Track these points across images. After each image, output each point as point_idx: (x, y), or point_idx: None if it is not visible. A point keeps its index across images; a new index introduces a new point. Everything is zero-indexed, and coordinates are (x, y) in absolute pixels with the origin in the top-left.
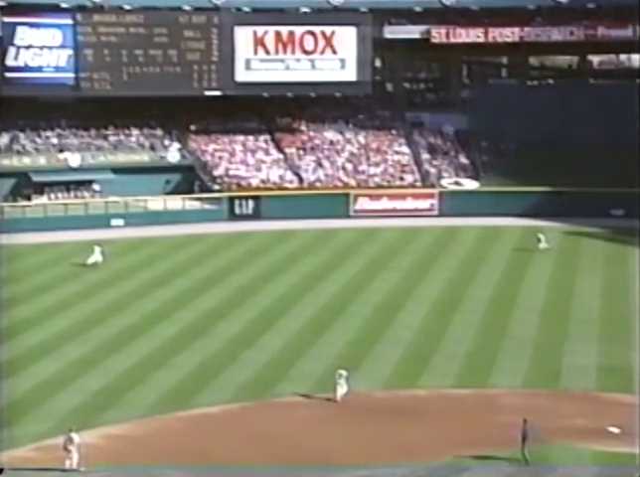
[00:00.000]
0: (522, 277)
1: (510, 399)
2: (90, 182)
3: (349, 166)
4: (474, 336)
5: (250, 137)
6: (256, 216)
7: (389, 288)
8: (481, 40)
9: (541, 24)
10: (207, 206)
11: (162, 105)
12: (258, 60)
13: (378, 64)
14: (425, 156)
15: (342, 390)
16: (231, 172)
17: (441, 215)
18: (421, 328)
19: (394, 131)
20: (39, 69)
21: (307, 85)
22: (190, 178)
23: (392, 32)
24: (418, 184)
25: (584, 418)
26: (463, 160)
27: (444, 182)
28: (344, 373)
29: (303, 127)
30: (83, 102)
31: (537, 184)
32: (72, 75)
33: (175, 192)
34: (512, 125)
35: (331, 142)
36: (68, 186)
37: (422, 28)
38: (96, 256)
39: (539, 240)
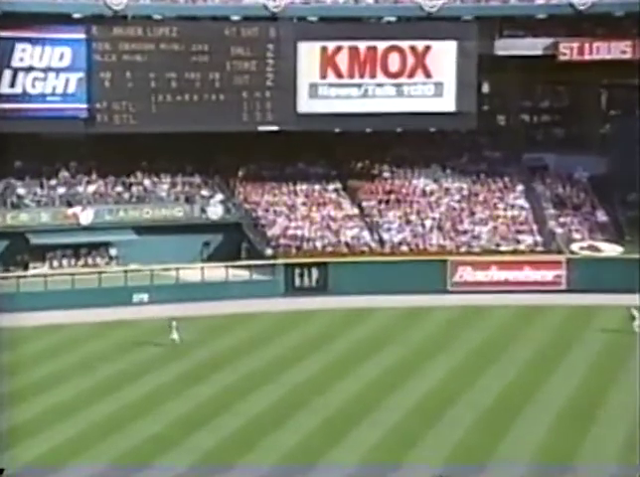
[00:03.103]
0: None
1: None
2: (106, 245)
3: (446, 224)
4: (618, 448)
5: (316, 186)
6: (323, 289)
7: (501, 388)
8: (627, 56)
9: None
10: (258, 276)
11: (201, 145)
12: (328, 84)
13: (486, 89)
14: (550, 211)
15: None
16: (289, 231)
17: (571, 290)
18: (547, 440)
19: (507, 178)
20: (42, 97)
21: (392, 118)
22: (236, 239)
23: (505, 47)
24: (540, 248)
25: None
26: (601, 217)
27: (575, 246)
28: None
29: (386, 173)
30: (99, 141)
31: None
32: (84, 105)
33: (216, 258)
34: None
35: (423, 192)
36: (76, 250)
37: (547, 41)
38: (174, 334)
39: (633, 318)
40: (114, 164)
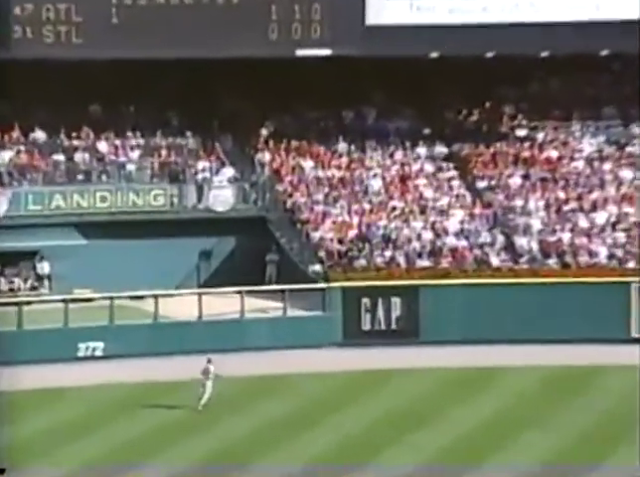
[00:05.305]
0: None
1: None
2: (32, 255)
3: (631, 219)
4: None
5: (398, 153)
6: (411, 334)
7: None
8: None
9: None
10: (297, 311)
11: (198, 82)
12: None
13: None
14: None
15: None
16: (351, 232)
17: None
18: None
19: None
20: None
21: (530, 32)
22: (258, 246)
23: None
24: None
25: None
26: None
27: None
28: None
29: (520, 130)
30: (19, 74)
31: None
32: None
33: (224, 279)
34: None
35: (588, 163)
36: None
37: None
38: (208, 389)
39: None
40: (46, 114)
